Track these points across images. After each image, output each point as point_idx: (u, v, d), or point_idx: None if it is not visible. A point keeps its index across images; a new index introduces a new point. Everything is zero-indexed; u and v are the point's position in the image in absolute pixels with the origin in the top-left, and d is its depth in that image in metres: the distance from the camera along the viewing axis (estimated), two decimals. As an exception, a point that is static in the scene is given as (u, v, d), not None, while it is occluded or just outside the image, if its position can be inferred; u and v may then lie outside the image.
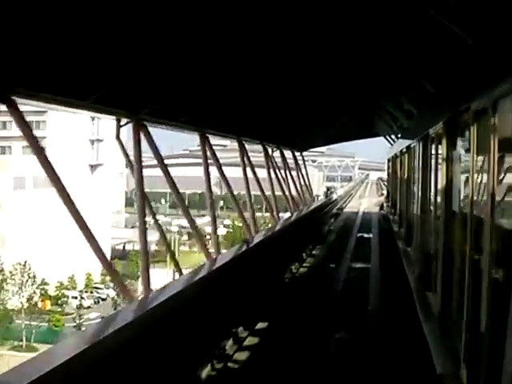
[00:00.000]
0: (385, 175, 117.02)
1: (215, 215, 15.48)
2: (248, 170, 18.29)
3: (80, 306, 57.24)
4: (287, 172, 24.85)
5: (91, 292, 67.46)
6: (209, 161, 14.15)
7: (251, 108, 14.48)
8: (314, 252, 20.50)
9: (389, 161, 29.51)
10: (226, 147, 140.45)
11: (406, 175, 16.37)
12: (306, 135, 28.46)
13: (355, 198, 51.91)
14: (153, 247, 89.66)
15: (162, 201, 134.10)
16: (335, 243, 22.24)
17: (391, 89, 14.06)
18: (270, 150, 22.57)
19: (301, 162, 30.16)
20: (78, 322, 53.99)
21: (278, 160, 25.24)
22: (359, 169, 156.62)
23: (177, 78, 9.41)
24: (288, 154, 29.03)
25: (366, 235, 24.38)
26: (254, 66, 10.22)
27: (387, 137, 31.08)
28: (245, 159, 18.32)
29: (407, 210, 14.43)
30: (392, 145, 30.19)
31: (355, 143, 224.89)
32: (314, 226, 23.73)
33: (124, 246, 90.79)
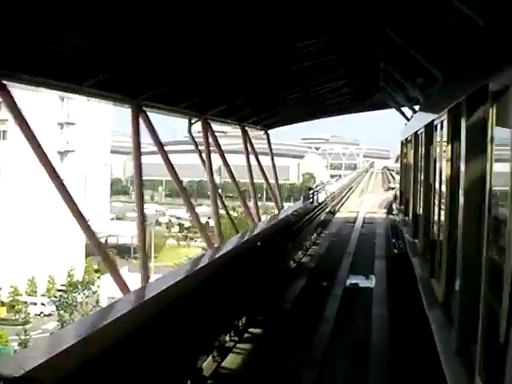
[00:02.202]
0: (391, 163, 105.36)
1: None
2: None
3: (25, 322, 45.80)
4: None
5: (55, 297, 56.14)
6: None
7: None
8: (231, 357, 8.21)
9: (404, 144, 17.45)
10: (226, 133, 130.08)
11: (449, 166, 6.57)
12: (273, 104, 16.64)
13: (355, 195, 38.64)
14: (136, 241, 78.68)
15: (160, 188, 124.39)
16: (297, 312, 10.06)
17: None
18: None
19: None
20: (23, 337, 42.54)
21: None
22: (364, 157, 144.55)
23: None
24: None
25: (363, 282, 12.37)
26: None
27: (400, 109, 19.17)
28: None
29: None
30: (408, 120, 18.37)
31: (360, 131, 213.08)
32: (267, 263, 11.88)
33: (106, 240, 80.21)
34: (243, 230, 13.93)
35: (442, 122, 7.42)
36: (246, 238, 12.57)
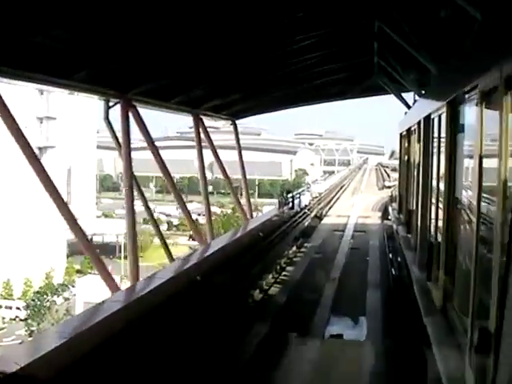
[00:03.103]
0: (385, 159, 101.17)
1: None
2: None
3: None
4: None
5: (32, 300, 52.08)
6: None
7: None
8: None
9: (404, 136, 13.47)
10: (218, 129, 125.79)
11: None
12: (242, 86, 12.65)
13: (346, 195, 34.32)
14: (122, 240, 75.13)
15: (150, 185, 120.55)
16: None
17: None
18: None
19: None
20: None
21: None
22: (358, 152, 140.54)
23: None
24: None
25: (349, 332, 8.38)
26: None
27: (400, 95, 15.26)
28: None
29: None
30: (409, 107, 14.57)
31: (354, 126, 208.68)
32: (213, 305, 7.94)
33: (91, 239, 76.15)
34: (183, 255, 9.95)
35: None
36: (185, 268, 8.63)
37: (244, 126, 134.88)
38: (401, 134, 14.73)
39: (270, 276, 12.18)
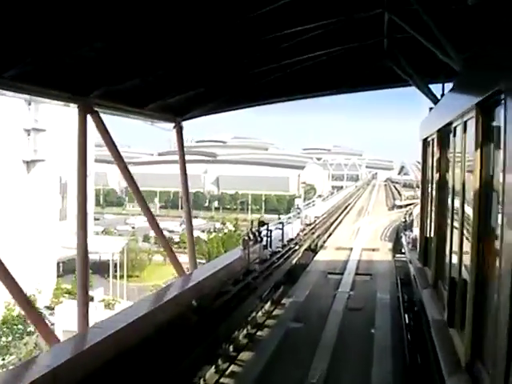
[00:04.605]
0: (394, 175, 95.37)
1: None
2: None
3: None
4: None
5: (14, 325, 47.13)
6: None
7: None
8: None
9: (433, 141, 8.36)
10: (225, 143, 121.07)
11: None
12: (190, 68, 7.63)
13: (350, 218, 28.28)
14: (117, 258, 70.29)
15: (155, 200, 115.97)
16: None
17: None
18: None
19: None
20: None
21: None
22: (367, 167, 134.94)
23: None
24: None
25: None
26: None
27: (426, 86, 10.10)
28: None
29: None
30: (435, 102, 9.36)
31: (362, 141, 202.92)
32: None
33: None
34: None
35: None
36: None
37: (251, 141, 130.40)
38: (425, 140, 9.64)
39: (211, 372, 7.05)
